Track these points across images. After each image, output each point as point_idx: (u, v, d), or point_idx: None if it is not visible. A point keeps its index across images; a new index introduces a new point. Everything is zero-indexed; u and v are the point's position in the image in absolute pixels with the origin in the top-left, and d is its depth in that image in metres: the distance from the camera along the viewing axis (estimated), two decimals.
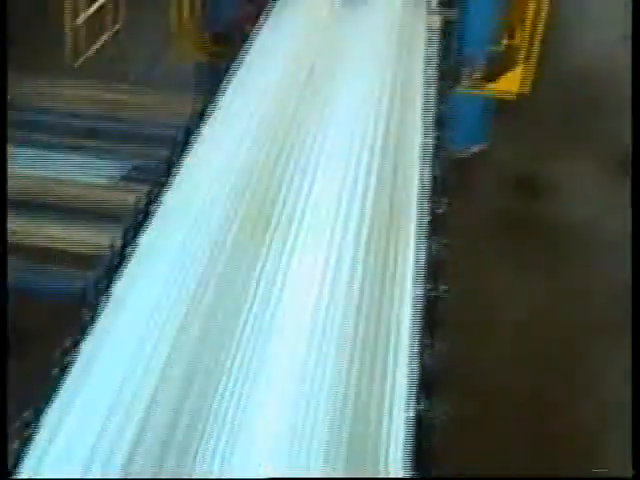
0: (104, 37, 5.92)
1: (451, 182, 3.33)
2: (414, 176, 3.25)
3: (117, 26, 6.15)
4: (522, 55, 5.38)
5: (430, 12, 4.96)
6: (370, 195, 3.05)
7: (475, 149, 5.69)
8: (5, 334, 3.25)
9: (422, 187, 3.16)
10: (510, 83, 5.39)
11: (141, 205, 3.00)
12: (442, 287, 2.66)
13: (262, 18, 4.57)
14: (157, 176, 3.16)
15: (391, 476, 2.13)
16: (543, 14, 5.23)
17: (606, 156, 6.21)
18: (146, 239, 2.78)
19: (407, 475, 2.12)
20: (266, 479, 2.13)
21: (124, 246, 2.81)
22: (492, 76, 5.44)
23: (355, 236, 2.84)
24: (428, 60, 4.29)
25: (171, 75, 6.36)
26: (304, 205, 2.98)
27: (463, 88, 5.25)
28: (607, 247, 5.22)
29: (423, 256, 2.75)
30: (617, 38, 8.19)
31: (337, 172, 3.17)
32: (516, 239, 5.14)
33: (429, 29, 4.69)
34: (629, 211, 5.35)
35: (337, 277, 2.64)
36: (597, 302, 4.72)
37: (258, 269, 2.65)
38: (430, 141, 3.51)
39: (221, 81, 3.83)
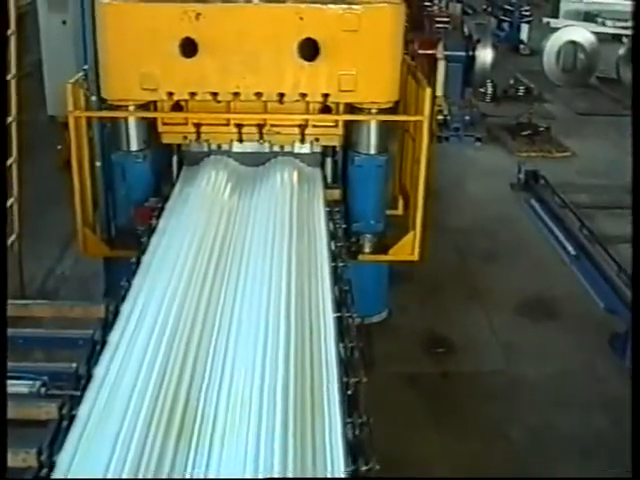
0: None
1: (361, 355, 3.41)
2: (325, 354, 3.33)
3: (13, 236, 6.15)
4: (410, 223, 5.67)
5: (324, 188, 5.27)
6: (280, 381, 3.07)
7: (377, 318, 5.82)
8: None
9: (333, 366, 3.23)
10: (402, 252, 5.64)
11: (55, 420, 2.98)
12: (364, 466, 2.68)
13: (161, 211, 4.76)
14: (69, 388, 3.15)
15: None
16: (424, 182, 5.56)
17: (504, 304, 6.46)
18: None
19: None
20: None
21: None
22: (384, 247, 5.68)
23: (271, 418, 2.83)
24: (324, 236, 4.50)
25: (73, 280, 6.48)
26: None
27: (358, 261, 5.46)
28: (524, 393, 5.36)
29: (341, 438, 2.77)
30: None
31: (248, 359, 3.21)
32: (432, 400, 5.21)
33: (324, 205, 4.95)
34: (538, 355, 5.64)
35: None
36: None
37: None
38: (337, 317, 3.63)
39: (128, 280, 3.91)
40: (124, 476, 2.56)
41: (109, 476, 2.56)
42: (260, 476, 2.54)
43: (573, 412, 5.20)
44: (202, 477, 2.60)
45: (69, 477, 2.59)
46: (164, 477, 2.59)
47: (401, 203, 6.19)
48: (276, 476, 2.53)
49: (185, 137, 5.48)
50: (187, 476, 2.62)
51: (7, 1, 5.68)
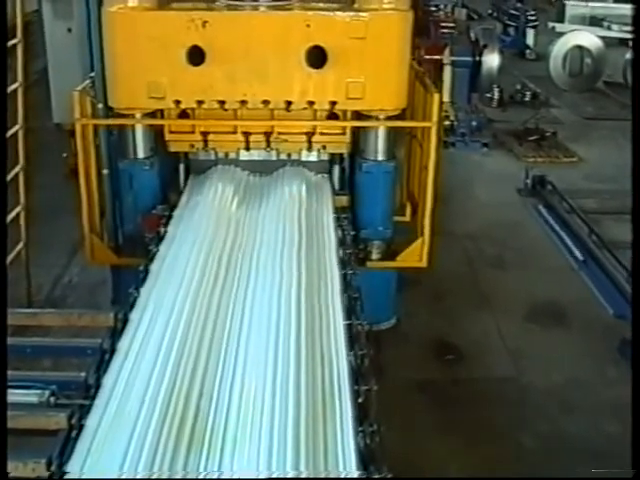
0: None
1: (371, 362, 3.39)
2: (335, 362, 3.31)
3: (20, 245, 6.14)
4: (418, 229, 5.65)
5: (332, 195, 5.26)
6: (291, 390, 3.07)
7: (386, 325, 5.79)
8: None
9: (344, 373, 3.22)
10: (410, 258, 5.62)
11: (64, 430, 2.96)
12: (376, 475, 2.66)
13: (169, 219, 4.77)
14: (79, 397, 3.13)
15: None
16: (432, 188, 5.54)
17: (513, 310, 6.44)
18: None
19: None
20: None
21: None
22: (392, 253, 5.66)
23: (283, 427, 2.83)
24: (333, 243, 4.48)
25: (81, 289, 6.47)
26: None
27: (367, 267, 5.44)
28: (534, 399, 5.33)
29: (353, 446, 2.76)
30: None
31: (258, 369, 3.20)
32: (442, 407, 5.19)
33: (332, 212, 4.94)
34: (547, 361, 5.61)
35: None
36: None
37: None
38: (347, 324, 3.62)
39: (137, 288, 3.90)
40: None
41: None
42: None
43: (583, 418, 5.18)
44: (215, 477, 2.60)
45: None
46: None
47: (409, 209, 6.17)
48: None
49: (192, 145, 5.48)
50: None
51: (5, 9, 5.66)
